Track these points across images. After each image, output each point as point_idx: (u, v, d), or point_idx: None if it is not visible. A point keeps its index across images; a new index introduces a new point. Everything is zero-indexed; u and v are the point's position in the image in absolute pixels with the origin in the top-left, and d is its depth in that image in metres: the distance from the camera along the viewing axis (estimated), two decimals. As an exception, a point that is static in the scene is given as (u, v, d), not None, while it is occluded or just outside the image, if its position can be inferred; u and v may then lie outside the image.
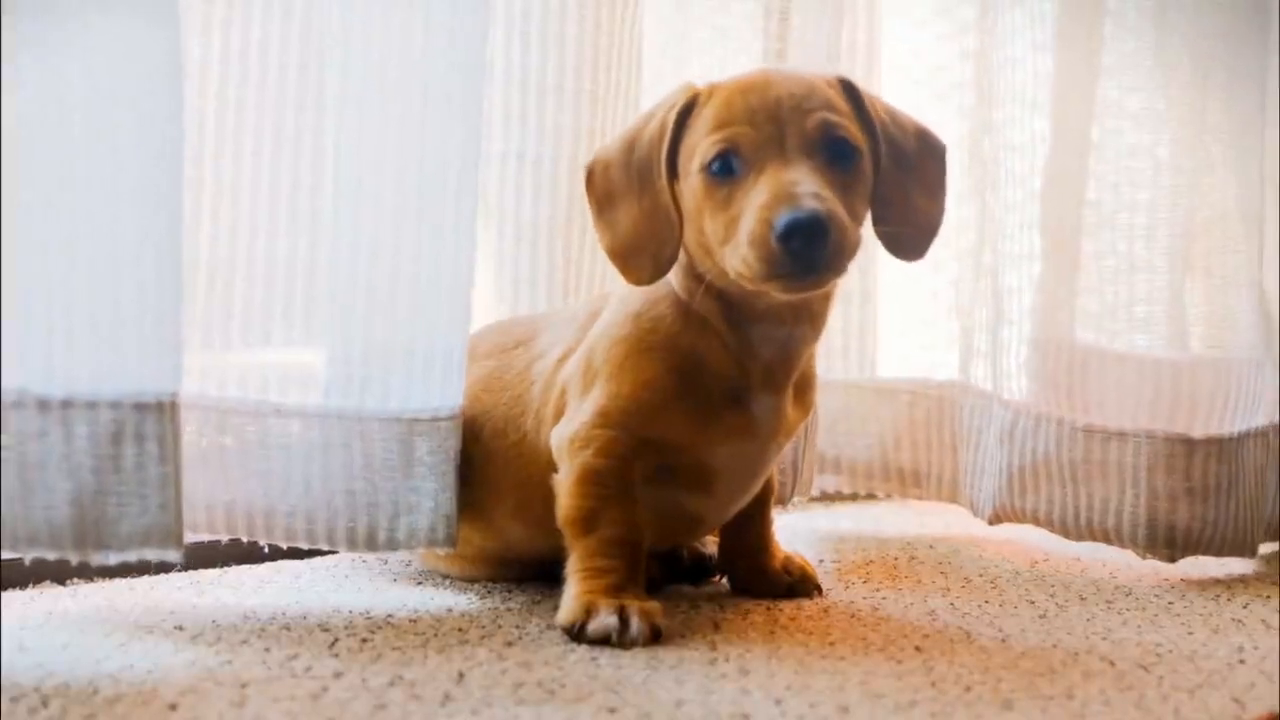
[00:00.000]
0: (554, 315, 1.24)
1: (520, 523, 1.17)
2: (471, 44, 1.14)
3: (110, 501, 0.98)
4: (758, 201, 1.00)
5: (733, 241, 1.02)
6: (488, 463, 1.18)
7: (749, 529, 1.23)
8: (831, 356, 1.58)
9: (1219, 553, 1.38)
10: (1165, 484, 1.37)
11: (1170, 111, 1.41)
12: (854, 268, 1.53)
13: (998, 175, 1.47)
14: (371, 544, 1.14)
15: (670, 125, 1.08)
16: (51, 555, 0.98)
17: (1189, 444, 1.37)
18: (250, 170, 1.14)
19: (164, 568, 1.24)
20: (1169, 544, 1.37)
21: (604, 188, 1.11)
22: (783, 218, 0.98)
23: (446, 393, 1.15)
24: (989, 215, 1.48)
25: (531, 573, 1.23)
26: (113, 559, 0.99)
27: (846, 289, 1.58)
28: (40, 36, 0.96)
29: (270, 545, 1.19)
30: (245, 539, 1.15)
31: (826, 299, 1.12)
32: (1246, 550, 1.40)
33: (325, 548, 1.16)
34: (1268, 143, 1.46)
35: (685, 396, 1.09)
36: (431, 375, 1.15)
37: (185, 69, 1.12)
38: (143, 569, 1.22)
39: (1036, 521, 1.43)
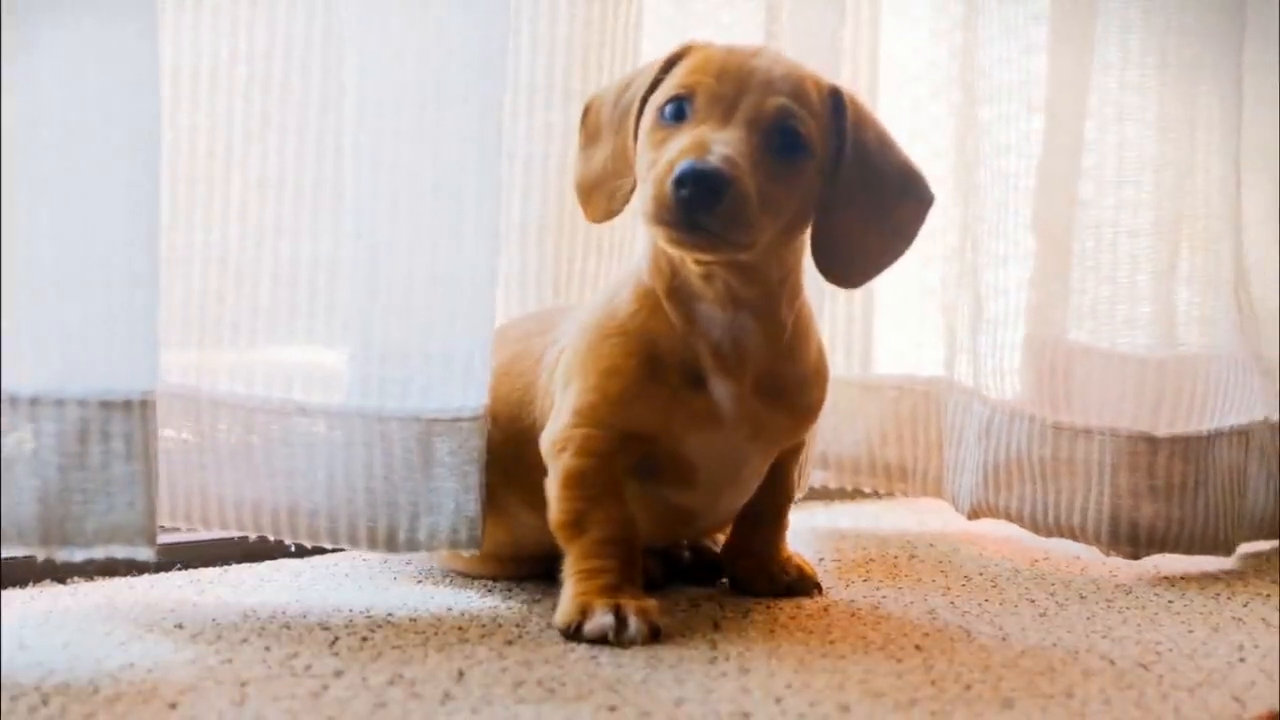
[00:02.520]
0: (576, 307, 1.25)
1: (531, 510, 1.17)
2: (490, 43, 1.14)
3: (75, 499, 0.98)
4: (675, 146, 1.02)
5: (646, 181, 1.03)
6: (502, 447, 1.17)
7: (757, 531, 1.22)
8: (835, 352, 1.58)
9: (1188, 551, 1.38)
10: (1129, 481, 1.37)
11: (1161, 111, 1.41)
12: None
13: (981, 176, 1.47)
14: (392, 544, 1.15)
15: (655, 71, 1.09)
16: (18, 552, 0.98)
17: (1152, 442, 1.37)
18: (275, 170, 1.15)
19: (164, 566, 1.24)
20: (1132, 541, 1.37)
21: (593, 124, 1.14)
22: (682, 164, 0.99)
23: (468, 393, 1.15)
24: (973, 214, 1.48)
25: (539, 570, 1.23)
26: (79, 556, 0.99)
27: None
28: (16, 36, 0.96)
29: (270, 543, 1.19)
30: (271, 537, 1.15)
31: (766, 293, 1.10)
32: (1220, 549, 1.40)
33: (347, 547, 1.16)
34: (1246, 141, 1.47)
35: (648, 381, 1.09)
36: (451, 375, 1.14)
37: (213, 69, 1.13)
38: (142, 568, 1.22)
39: (1009, 518, 1.43)
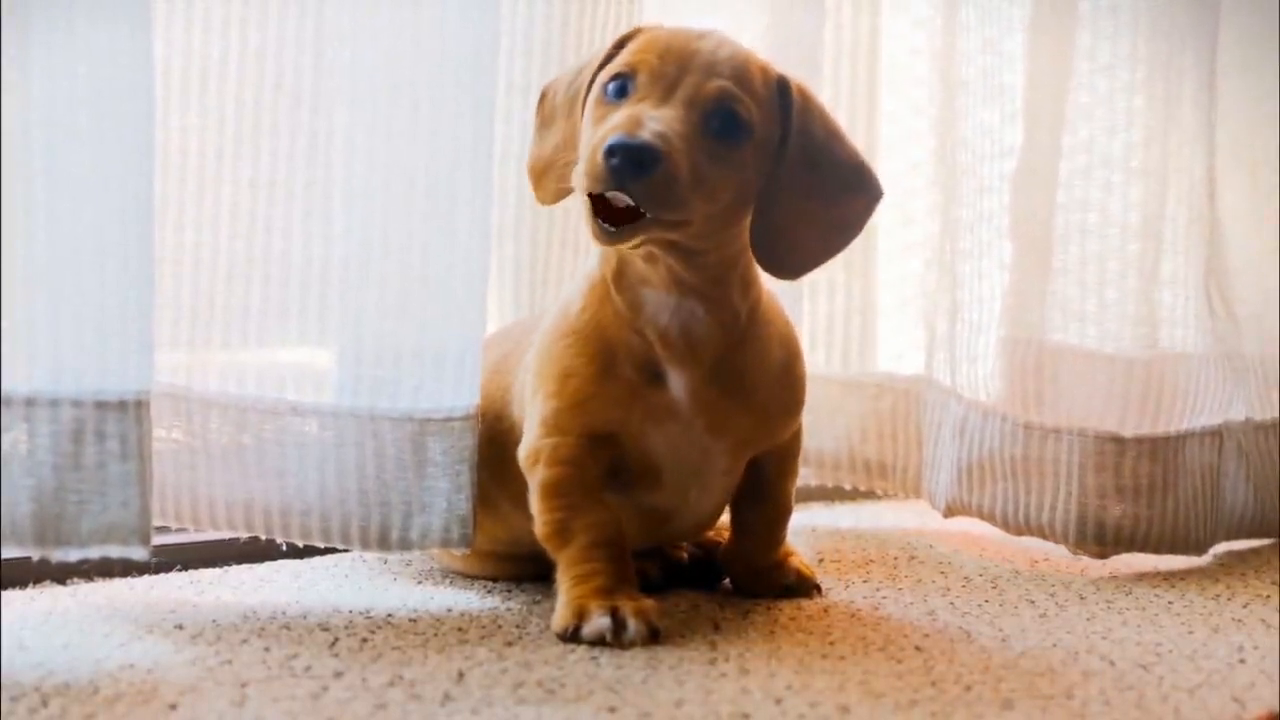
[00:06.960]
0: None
1: (523, 511, 1.17)
2: (481, 43, 1.14)
3: (70, 499, 0.98)
4: (610, 122, 1.02)
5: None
6: (492, 448, 1.18)
7: (755, 535, 1.22)
8: (816, 350, 1.58)
9: (1156, 550, 1.40)
10: (1096, 481, 1.38)
11: (1133, 112, 1.42)
12: (841, 265, 1.56)
13: (960, 180, 1.47)
14: (384, 543, 1.15)
15: (606, 52, 1.10)
16: (13, 552, 0.98)
17: (1119, 442, 1.38)
18: (267, 170, 1.15)
19: (163, 567, 1.24)
20: (1099, 540, 1.38)
21: (548, 109, 1.15)
22: (613, 137, 0.99)
23: (460, 393, 1.15)
24: (953, 218, 1.48)
25: (538, 570, 1.23)
26: (74, 556, 0.99)
27: (833, 283, 1.58)
28: (10, 37, 0.96)
29: (270, 544, 1.19)
30: (263, 536, 1.16)
31: (713, 278, 1.09)
32: (1191, 549, 1.41)
33: (340, 547, 1.17)
34: (1229, 140, 1.49)
35: (603, 378, 1.09)
36: (443, 375, 1.15)
37: (204, 70, 1.13)
38: (142, 568, 1.22)
39: (982, 516, 1.45)
